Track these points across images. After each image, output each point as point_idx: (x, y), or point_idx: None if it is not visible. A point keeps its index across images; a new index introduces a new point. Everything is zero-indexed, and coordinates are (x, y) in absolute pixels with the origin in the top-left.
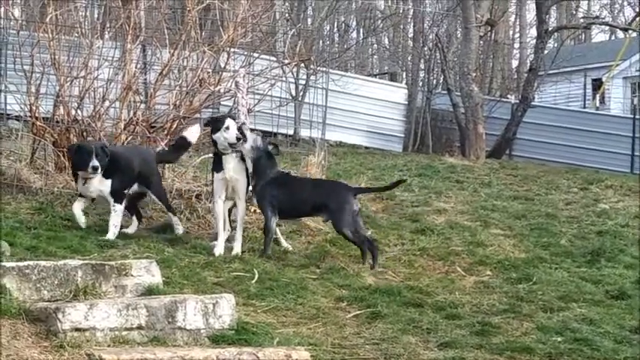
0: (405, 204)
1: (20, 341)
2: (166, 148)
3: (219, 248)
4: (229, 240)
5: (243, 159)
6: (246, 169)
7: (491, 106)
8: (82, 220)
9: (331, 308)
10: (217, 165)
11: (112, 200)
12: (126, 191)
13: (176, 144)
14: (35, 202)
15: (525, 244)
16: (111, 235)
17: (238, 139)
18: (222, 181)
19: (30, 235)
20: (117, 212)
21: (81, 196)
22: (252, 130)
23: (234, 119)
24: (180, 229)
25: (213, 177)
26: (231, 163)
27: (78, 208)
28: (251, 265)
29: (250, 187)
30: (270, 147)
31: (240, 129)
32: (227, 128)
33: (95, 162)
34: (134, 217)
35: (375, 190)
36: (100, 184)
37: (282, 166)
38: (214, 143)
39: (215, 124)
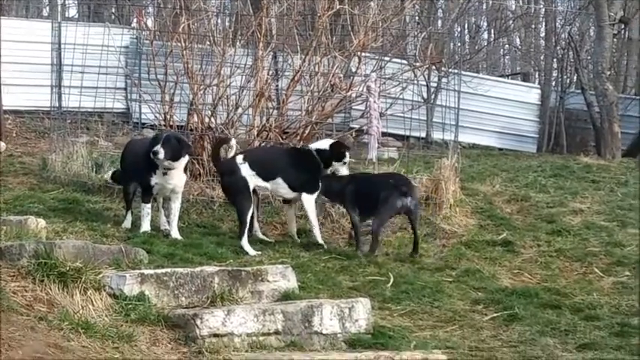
0: (541, 205)
1: (160, 347)
2: None
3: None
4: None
5: None
6: None
7: (626, 105)
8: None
9: (467, 311)
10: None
11: None
12: None
13: None
14: None
15: None
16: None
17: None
18: None
19: (167, 242)
20: None
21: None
22: None
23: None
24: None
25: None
26: None
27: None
28: (386, 269)
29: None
30: None
31: None
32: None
33: None
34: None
35: None
36: None
37: (414, 169)
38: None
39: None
